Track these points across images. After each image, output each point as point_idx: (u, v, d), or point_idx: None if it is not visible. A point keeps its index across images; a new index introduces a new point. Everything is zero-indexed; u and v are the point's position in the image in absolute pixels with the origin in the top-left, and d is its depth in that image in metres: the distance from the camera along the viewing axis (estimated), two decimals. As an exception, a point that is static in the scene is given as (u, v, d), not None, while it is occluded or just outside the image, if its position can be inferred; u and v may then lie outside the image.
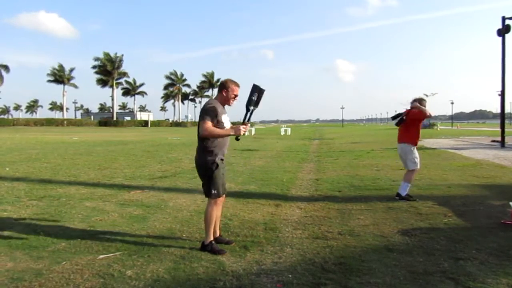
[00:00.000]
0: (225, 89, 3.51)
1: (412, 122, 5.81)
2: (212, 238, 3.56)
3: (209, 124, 3.36)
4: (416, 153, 5.81)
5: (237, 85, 3.57)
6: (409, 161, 5.79)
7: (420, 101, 5.81)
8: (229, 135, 3.48)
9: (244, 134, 3.49)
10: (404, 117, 5.87)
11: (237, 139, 3.63)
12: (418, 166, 5.86)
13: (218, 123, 3.42)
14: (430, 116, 5.79)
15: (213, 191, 3.46)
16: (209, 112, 3.38)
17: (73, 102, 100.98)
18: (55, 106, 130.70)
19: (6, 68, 60.89)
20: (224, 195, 3.64)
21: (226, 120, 3.52)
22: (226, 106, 3.61)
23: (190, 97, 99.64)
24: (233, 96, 3.54)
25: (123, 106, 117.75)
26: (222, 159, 3.52)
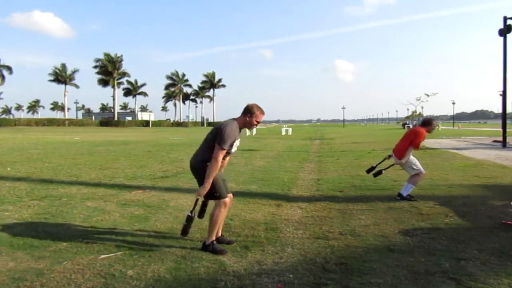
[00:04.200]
0: (249, 114, 3.49)
1: (407, 141, 5.75)
2: (214, 238, 3.57)
3: (222, 155, 3.35)
4: (412, 159, 5.77)
5: (262, 112, 3.55)
6: (408, 168, 5.78)
7: (431, 121, 5.83)
8: (208, 179, 3.35)
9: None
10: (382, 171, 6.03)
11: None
12: (422, 170, 5.81)
13: (230, 147, 3.42)
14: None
15: (215, 194, 3.46)
16: (228, 140, 3.35)
17: (75, 102, 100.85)
18: (56, 106, 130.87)
19: (8, 69, 61.13)
20: (231, 196, 3.67)
21: (237, 144, 3.53)
22: None
23: (191, 97, 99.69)
24: (256, 122, 3.53)
25: (124, 106, 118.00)
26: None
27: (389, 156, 6.04)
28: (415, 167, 5.75)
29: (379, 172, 6.02)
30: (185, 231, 3.56)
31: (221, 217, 3.58)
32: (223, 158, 3.50)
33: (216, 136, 3.37)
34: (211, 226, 3.53)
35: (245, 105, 3.54)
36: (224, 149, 3.34)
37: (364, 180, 7.64)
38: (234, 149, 3.53)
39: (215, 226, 3.54)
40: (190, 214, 3.53)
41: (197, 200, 3.54)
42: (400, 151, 5.78)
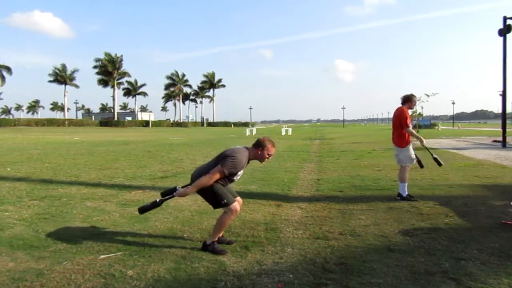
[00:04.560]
0: (261, 147, 3.54)
1: (398, 126, 5.80)
2: (215, 240, 3.57)
3: (220, 176, 3.39)
4: (411, 150, 5.80)
5: (273, 145, 3.61)
6: (406, 157, 5.77)
7: (411, 97, 5.81)
8: (193, 187, 3.43)
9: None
10: None
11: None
12: (410, 165, 5.84)
13: (231, 175, 3.47)
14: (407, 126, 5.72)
15: (223, 202, 3.45)
16: (234, 169, 3.41)
17: (74, 102, 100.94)
18: (56, 107, 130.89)
19: (8, 69, 61.14)
20: (240, 200, 3.70)
21: (240, 175, 3.58)
22: None
23: (191, 97, 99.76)
24: (268, 156, 3.57)
25: (124, 106, 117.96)
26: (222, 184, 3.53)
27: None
28: (411, 157, 5.76)
29: (438, 162, 5.92)
30: (143, 210, 3.61)
31: (229, 223, 3.60)
32: (226, 183, 3.53)
33: (225, 158, 3.41)
34: (217, 229, 3.54)
35: (256, 136, 3.59)
36: (225, 173, 3.38)
37: (364, 180, 7.64)
38: (236, 178, 3.58)
39: (220, 230, 3.55)
40: (157, 201, 3.55)
41: (172, 196, 3.53)
42: (398, 141, 5.81)
